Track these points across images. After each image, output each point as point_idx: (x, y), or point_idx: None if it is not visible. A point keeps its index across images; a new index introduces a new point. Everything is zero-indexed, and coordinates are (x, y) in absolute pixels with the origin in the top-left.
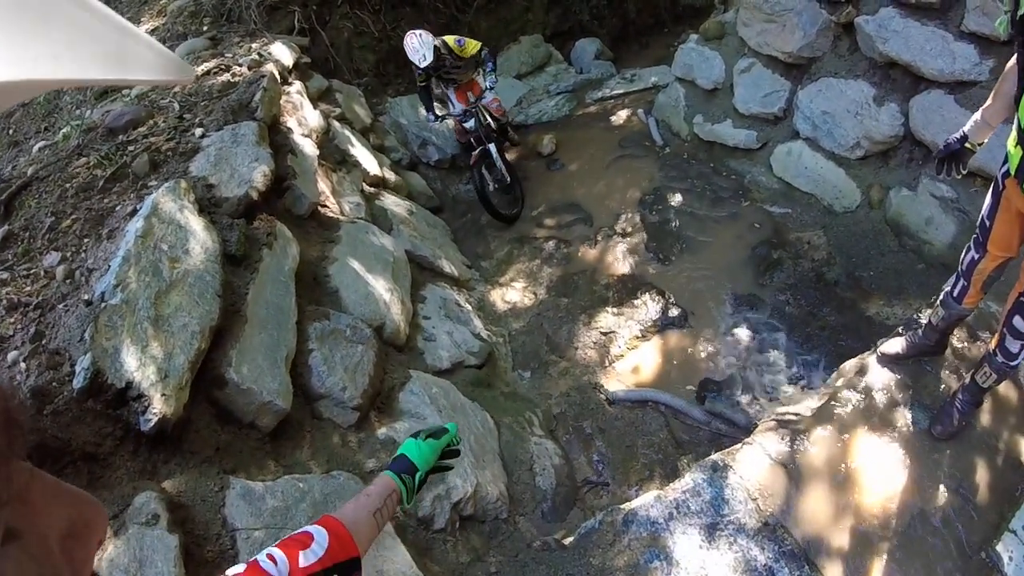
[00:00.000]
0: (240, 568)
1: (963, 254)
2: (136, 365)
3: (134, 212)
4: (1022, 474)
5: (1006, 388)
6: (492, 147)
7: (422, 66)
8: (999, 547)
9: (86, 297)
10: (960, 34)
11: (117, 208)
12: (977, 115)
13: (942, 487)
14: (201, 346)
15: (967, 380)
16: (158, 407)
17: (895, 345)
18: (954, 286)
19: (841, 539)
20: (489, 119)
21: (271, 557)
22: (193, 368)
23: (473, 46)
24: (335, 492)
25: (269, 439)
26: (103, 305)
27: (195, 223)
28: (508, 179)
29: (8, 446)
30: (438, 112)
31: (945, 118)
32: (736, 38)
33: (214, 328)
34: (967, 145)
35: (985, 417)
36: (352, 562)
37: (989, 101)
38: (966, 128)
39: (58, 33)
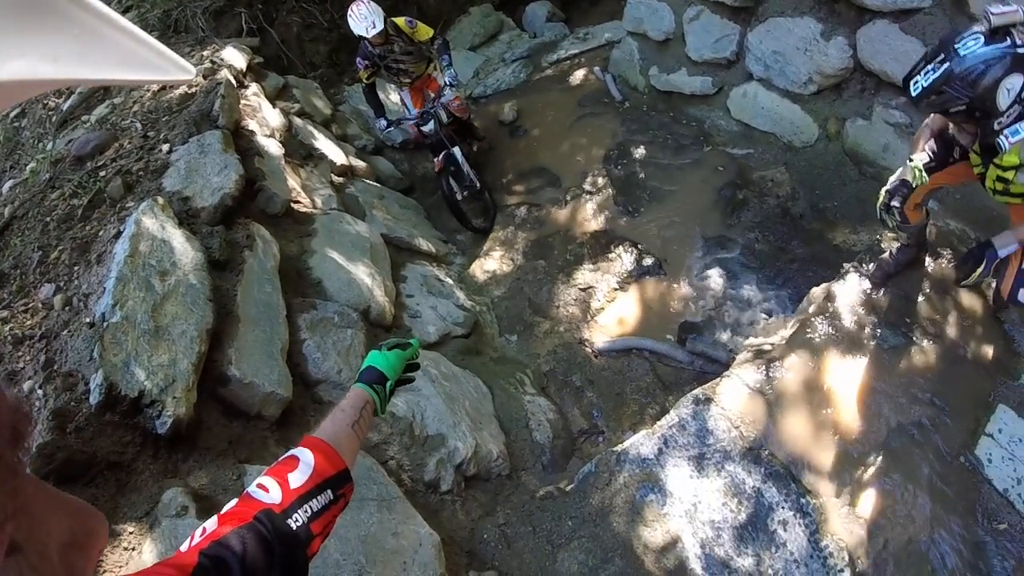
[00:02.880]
0: (232, 503)
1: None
2: (145, 375)
3: (118, 235)
4: (993, 380)
5: (971, 299)
6: (457, 150)
7: (370, 34)
8: (978, 451)
9: (88, 320)
10: None
11: (100, 233)
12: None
13: (916, 399)
14: (201, 349)
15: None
16: (171, 410)
17: (884, 267)
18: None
19: (823, 456)
20: (452, 119)
21: (261, 486)
22: (197, 370)
23: (426, 31)
24: None
25: (277, 427)
26: (105, 324)
27: (176, 236)
28: (478, 185)
29: (16, 460)
30: (390, 117)
31: (892, 47)
32: None
33: (210, 331)
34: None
35: (953, 328)
36: (341, 475)
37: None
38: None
39: (57, 33)
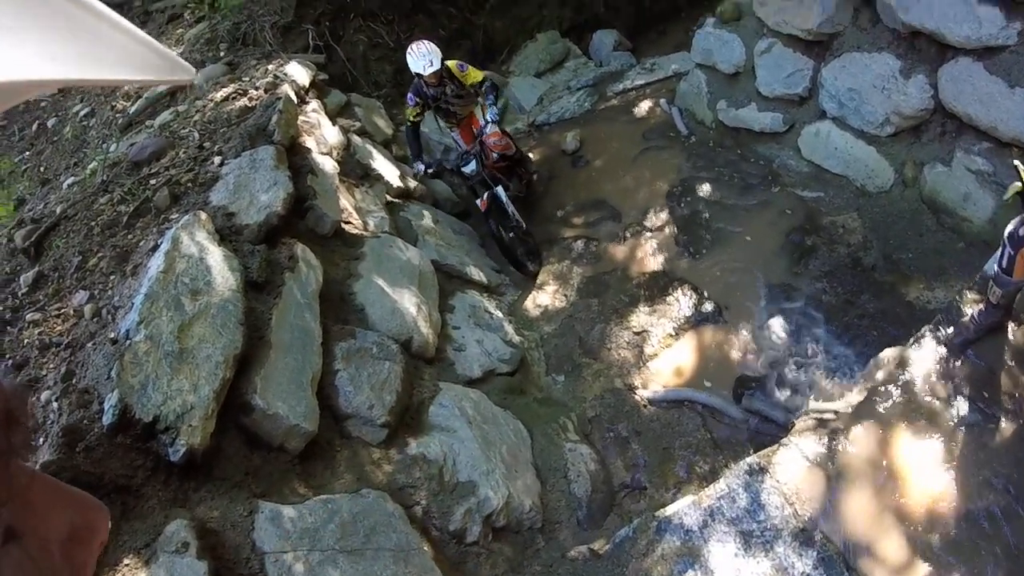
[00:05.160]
0: None
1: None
2: (162, 399)
3: (156, 247)
4: None
5: None
6: (500, 190)
7: (427, 72)
8: None
9: (112, 335)
10: None
11: (140, 244)
12: None
13: (989, 485)
14: (226, 375)
15: None
16: (184, 439)
17: (963, 332)
18: (1000, 258)
19: (883, 543)
20: (494, 157)
21: None
22: (219, 398)
23: (475, 75)
24: (364, 511)
25: (299, 461)
26: (128, 343)
27: (215, 254)
28: (524, 225)
29: (9, 445)
30: (426, 159)
31: (976, 87)
32: (754, 19)
33: (238, 356)
34: None
35: None
36: None
37: None
38: None
39: (57, 33)
